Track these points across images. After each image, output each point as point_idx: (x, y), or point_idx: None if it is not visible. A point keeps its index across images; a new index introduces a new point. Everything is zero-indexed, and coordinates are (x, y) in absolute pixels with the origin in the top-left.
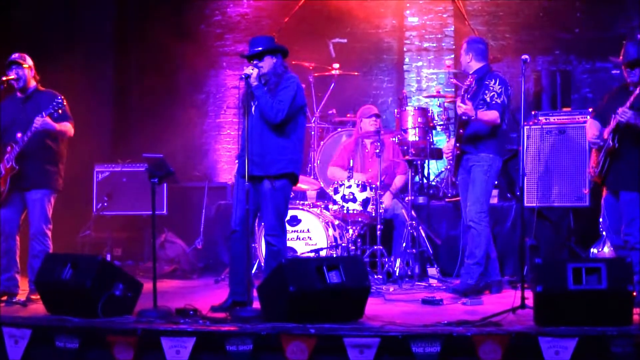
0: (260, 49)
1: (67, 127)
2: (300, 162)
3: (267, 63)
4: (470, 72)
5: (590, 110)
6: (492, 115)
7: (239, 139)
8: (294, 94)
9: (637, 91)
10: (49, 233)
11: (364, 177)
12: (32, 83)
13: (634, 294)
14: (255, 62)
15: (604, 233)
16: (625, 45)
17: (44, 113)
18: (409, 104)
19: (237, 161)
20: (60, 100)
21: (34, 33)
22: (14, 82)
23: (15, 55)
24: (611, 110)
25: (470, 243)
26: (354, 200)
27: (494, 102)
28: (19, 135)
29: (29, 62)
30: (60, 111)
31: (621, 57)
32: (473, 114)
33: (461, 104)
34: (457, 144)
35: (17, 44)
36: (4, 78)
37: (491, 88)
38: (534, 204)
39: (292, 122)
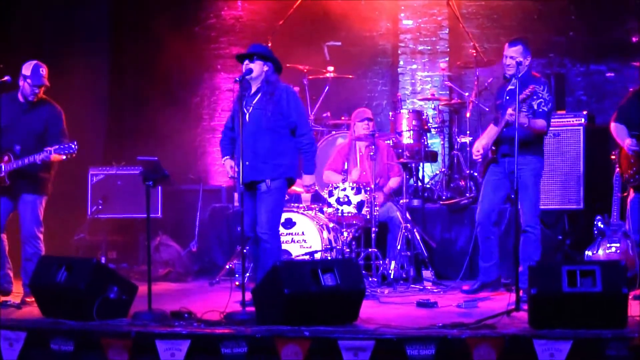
0: (251, 51)
1: (60, 158)
2: (298, 166)
3: (258, 67)
4: (519, 75)
5: (584, 113)
6: (541, 123)
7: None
8: (301, 104)
9: None
10: (41, 236)
11: (358, 172)
12: None
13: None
14: (246, 62)
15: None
16: None
17: (52, 150)
18: (403, 106)
19: (226, 157)
20: (74, 146)
21: (30, 35)
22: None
23: (44, 73)
24: None
25: (526, 248)
26: (349, 203)
27: (541, 109)
28: (17, 148)
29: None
30: (70, 157)
31: None
32: (526, 122)
33: (513, 112)
34: (493, 147)
35: (14, 46)
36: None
37: (540, 95)
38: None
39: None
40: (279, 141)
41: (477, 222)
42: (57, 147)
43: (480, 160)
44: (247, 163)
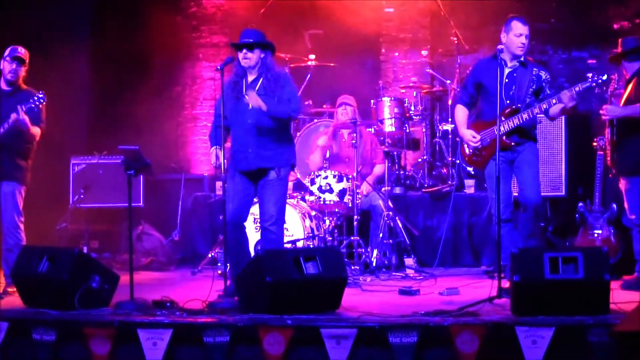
0: (251, 40)
1: (36, 132)
2: (295, 152)
3: (256, 55)
4: (523, 59)
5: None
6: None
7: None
8: (297, 89)
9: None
10: (22, 226)
11: (326, 138)
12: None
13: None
14: (244, 51)
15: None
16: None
17: (23, 106)
18: (385, 94)
19: (216, 147)
20: (41, 96)
21: (11, 24)
22: None
23: (21, 52)
24: None
25: (529, 228)
26: (331, 191)
27: (552, 92)
28: None
29: (27, 59)
30: (41, 106)
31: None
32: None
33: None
34: (504, 137)
35: None
36: None
37: (549, 80)
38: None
39: None
40: (282, 127)
41: (512, 216)
42: (25, 104)
43: (479, 146)
44: (249, 150)
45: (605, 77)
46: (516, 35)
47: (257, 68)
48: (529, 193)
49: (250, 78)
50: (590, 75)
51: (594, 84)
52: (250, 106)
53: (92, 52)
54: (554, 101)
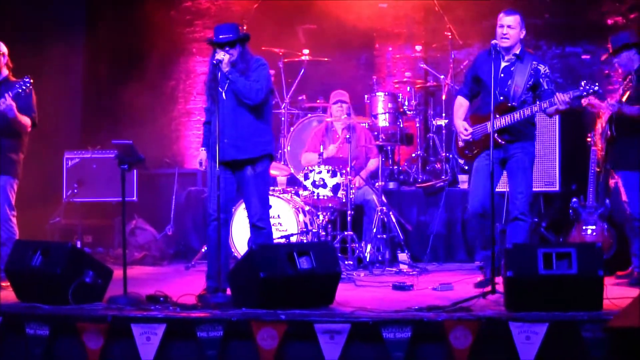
0: (233, 36)
1: (26, 121)
2: (274, 141)
3: (237, 51)
4: (518, 51)
5: None
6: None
7: (206, 125)
8: (268, 73)
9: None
10: (14, 219)
11: (336, 148)
12: (4, 71)
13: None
14: (227, 49)
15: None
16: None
17: (10, 92)
18: (379, 89)
19: (202, 148)
20: (27, 80)
21: (6, 19)
22: None
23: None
24: None
25: (517, 236)
26: (324, 186)
27: (549, 88)
28: None
29: (1, 49)
30: (27, 90)
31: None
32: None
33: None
34: (496, 135)
35: None
36: None
37: (547, 73)
38: (504, 189)
39: (266, 104)
40: (256, 117)
41: (474, 213)
42: (12, 90)
43: (470, 140)
44: (225, 141)
45: (597, 88)
46: (499, 26)
47: (237, 61)
48: (518, 203)
49: (226, 69)
50: (583, 83)
51: (585, 93)
52: (224, 96)
53: (87, 46)
54: (545, 105)
